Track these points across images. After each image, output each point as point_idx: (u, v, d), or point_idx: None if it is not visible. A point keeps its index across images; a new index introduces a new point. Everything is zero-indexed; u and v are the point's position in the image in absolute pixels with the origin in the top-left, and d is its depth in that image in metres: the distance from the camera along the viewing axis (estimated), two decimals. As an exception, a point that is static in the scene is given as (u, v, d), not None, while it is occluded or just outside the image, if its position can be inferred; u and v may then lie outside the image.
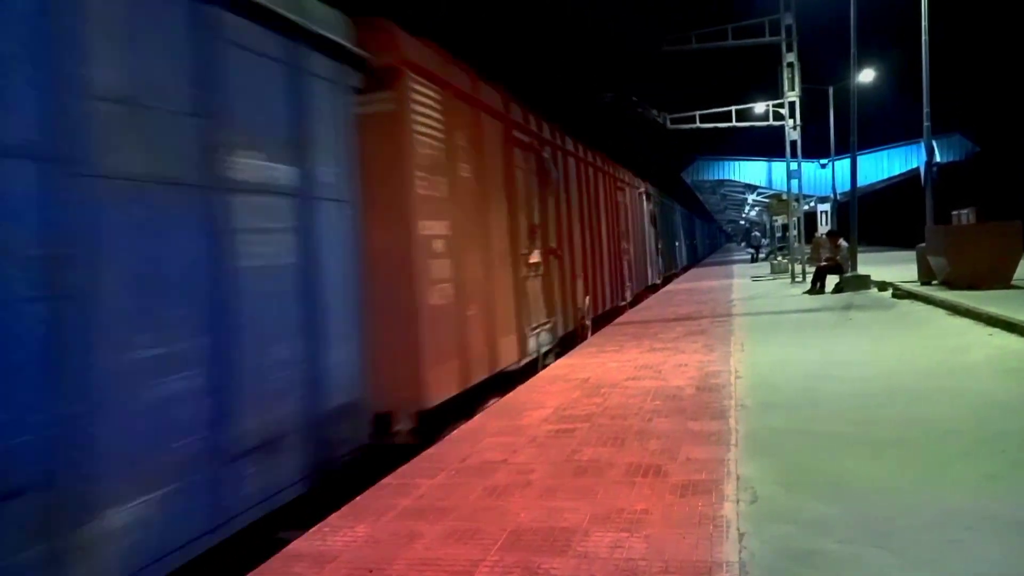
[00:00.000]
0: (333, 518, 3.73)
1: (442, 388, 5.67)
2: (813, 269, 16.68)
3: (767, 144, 29.41)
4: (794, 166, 20.14)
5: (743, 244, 58.64)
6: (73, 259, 2.73)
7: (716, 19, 19.67)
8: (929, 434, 4.48)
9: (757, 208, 45.77)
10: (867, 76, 23.15)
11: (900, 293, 13.23)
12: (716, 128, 23.07)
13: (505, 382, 7.21)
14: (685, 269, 30.46)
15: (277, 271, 4.20)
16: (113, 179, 2.96)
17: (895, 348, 7.83)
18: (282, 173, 4.26)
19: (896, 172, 35.25)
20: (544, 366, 8.34)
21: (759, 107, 21.80)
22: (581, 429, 5.13)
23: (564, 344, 9.82)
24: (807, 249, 21.03)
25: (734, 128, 22.74)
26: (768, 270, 23.76)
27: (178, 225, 3.37)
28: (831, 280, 15.46)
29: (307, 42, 4.50)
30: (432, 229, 5.68)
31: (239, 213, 3.80)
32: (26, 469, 2.50)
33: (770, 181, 35.82)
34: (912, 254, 14.94)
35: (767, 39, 19.22)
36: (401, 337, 5.27)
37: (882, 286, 14.74)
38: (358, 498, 4.01)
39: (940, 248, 13.09)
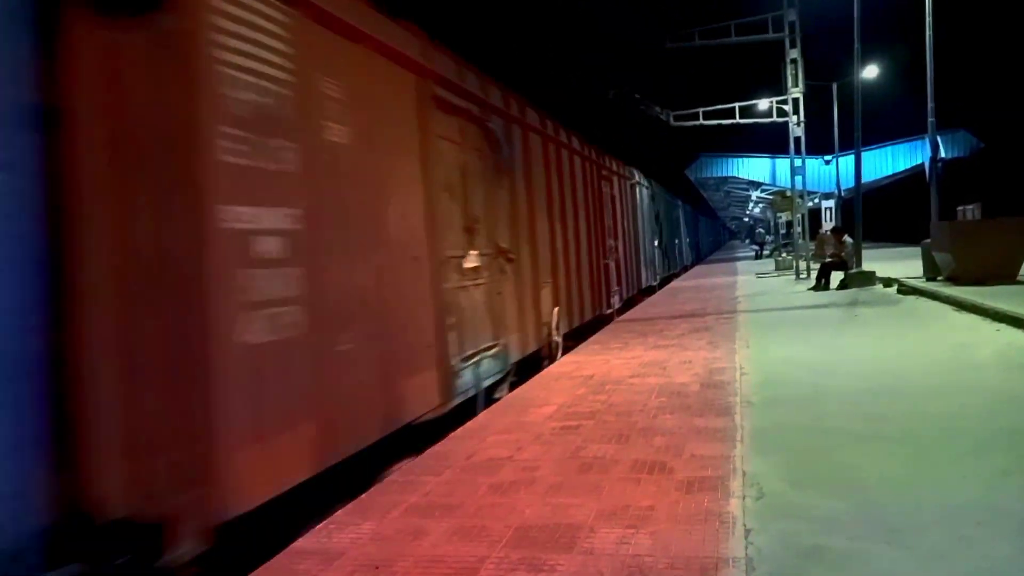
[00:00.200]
0: (339, 515, 3.73)
1: (272, 477, 3.57)
2: (818, 266, 16.63)
3: (771, 141, 29.39)
4: (798, 163, 20.07)
5: (747, 241, 58.50)
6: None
7: (719, 16, 19.62)
8: (938, 430, 4.45)
9: (761, 205, 45.66)
10: (871, 72, 23.08)
11: (905, 289, 13.18)
12: (720, 125, 22.99)
13: (428, 434, 5.28)
14: (686, 268, 29.16)
15: None
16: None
17: (902, 344, 7.79)
18: None
19: (901, 168, 35.11)
20: (492, 401, 6.57)
21: (763, 104, 21.73)
22: (586, 426, 5.12)
23: (527, 368, 7.96)
24: (811, 246, 20.97)
25: (738, 125, 22.67)
26: (772, 267, 23.69)
27: None
28: (836, 276, 15.41)
29: None
30: (257, 220, 3.65)
31: None
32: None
33: (774, 178, 35.70)
34: (917, 250, 14.88)
35: (770, 36, 19.14)
36: (179, 398, 3.27)
37: (887, 282, 14.69)
38: (364, 495, 4.01)
39: (945, 244, 13.04)
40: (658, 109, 23.19)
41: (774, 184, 35.18)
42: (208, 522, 3.16)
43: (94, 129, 3.26)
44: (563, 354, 9.12)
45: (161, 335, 3.29)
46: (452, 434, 5.27)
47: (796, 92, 19.22)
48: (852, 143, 17.69)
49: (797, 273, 19.49)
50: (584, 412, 5.57)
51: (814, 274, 16.55)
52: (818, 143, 28.37)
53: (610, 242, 13.91)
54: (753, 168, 37.64)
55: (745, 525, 3.14)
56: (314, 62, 4.24)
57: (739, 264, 30.47)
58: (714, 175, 39.52)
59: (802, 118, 19.45)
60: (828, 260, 16.15)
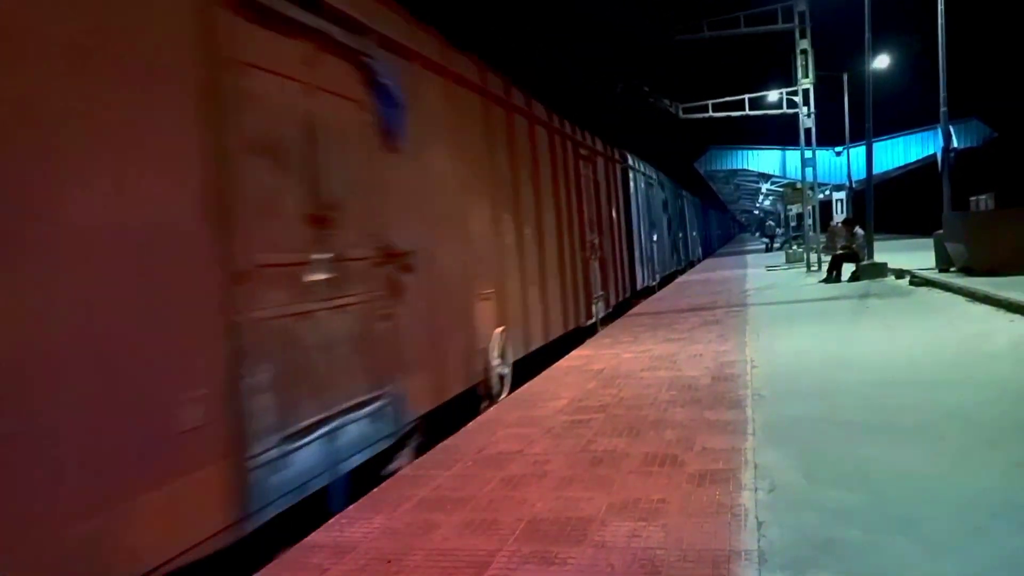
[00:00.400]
0: (350, 509, 3.74)
1: None
2: (829, 258, 16.53)
3: (781, 132, 29.16)
4: (808, 154, 19.95)
5: (757, 234, 58.25)
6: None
7: (728, 7, 19.47)
8: (952, 422, 4.42)
9: (771, 197, 45.40)
10: (882, 62, 22.86)
11: (918, 281, 13.08)
12: (729, 117, 22.85)
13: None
14: (692, 265, 27.48)
15: None
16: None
17: (914, 336, 7.73)
18: None
19: (913, 159, 34.81)
20: (381, 479, 4.34)
21: (772, 95, 21.57)
22: (597, 420, 5.11)
23: (457, 416, 5.70)
24: (822, 238, 20.83)
25: (747, 117, 22.52)
26: (783, 259, 23.57)
27: None
28: (847, 268, 15.32)
29: None
30: None
31: None
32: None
33: (784, 170, 35.47)
34: (929, 241, 14.76)
35: (780, 26, 19.01)
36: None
37: (899, 274, 14.58)
38: (375, 490, 4.02)
39: (958, 235, 12.92)
40: (667, 102, 23.08)
41: (784, 176, 34.99)
42: None
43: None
44: (509, 391, 6.80)
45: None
46: (463, 428, 5.28)
47: (806, 83, 19.10)
48: (863, 134, 17.54)
49: (808, 266, 19.38)
50: (594, 406, 5.56)
51: (825, 267, 16.46)
52: (829, 134, 28.16)
53: (591, 237, 11.45)
54: (763, 160, 37.42)
55: (757, 517, 3.13)
56: None
57: (749, 257, 30.33)
58: (723, 168, 39.31)
59: (812, 109, 19.32)
60: (839, 252, 16.05)
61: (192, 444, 3.05)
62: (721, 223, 66.27)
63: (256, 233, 3.60)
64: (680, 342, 8.45)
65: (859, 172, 26.83)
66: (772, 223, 41.44)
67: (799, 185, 21.82)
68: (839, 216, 27.96)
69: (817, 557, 2.73)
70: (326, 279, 4.17)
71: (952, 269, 13.07)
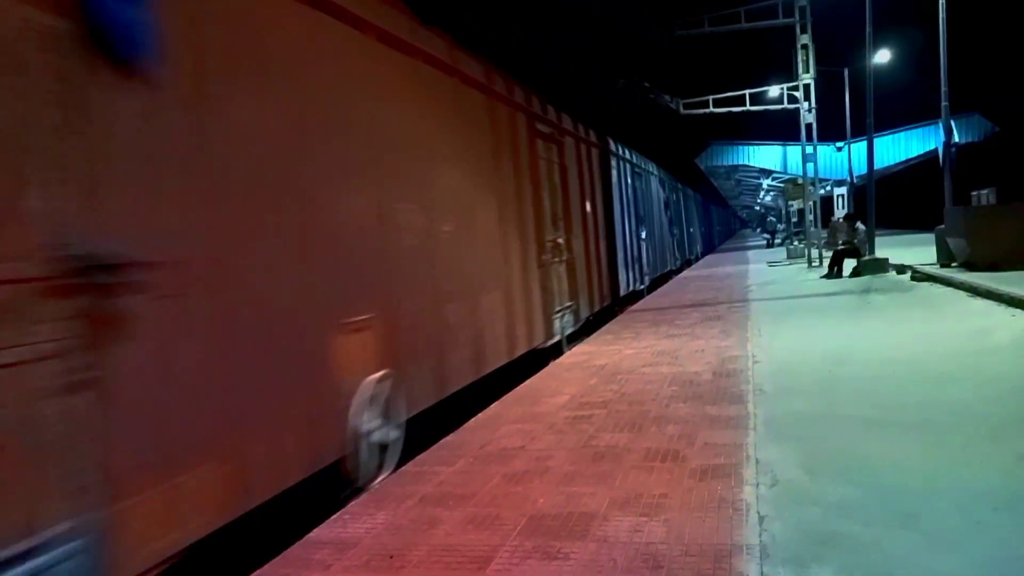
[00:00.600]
0: (353, 505, 3.75)
1: None
2: (830, 253, 16.51)
3: (782, 128, 29.08)
4: (809, 150, 19.91)
5: (758, 230, 58.17)
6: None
7: (729, 1, 19.42)
8: (953, 416, 4.42)
9: (772, 193, 45.32)
10: (883, 56, 22.79)
11: (919, 276, 13.06)
12: (730, 113, 22.79)
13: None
14: (689, 263, 25.88)
15: None
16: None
17: (916, 331, 7.73)
18: None
19: (914, 154, 34.73)
20: None
21: (773, 90, 21.53)
22: (599, 415, 5.12)
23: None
24: (823, 233, 20.81)
25: (748, 112, 22.47)
26: (784, 255, 23.55)
27: None
28: (848, 264, 15.31)
29: None
30: None
31: None
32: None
33: (785, 165, 35.41)
34: (931, 236, 14.74)
35: (780, 21, 18.95)
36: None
37: (900, 269, 14.57)
38: (378, 486, 4.03)
39: (960, 230, 12.90)
40: (667, 97, 23.04)
41: (785, 172, 34.94)
42: None
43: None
44: (397, 464, 4.73)
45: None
46: (465, 425, 5.29)
47: (807, 78, 19.04)
48: (864, 129, 17.51)
49: (809, 261, 19.36)
50: (596, 402, 5.57)
51: (826, 262, 16.45)
52: (830, 130, 28.09)
53: (554, 236, 9.31)
54: (764, 156, 37.35)
55: (759, 512, 3.14)
56: None
57: (750, 253, 30.30)
58: (724, 163, 39.22)
59: (813, 104, 19.27)
60: (841, 248, 16.04)
61: None
62: (722, 219, 66.19)
63: None
64: (682, 338, 8.46)
65: (860, 167, 26.78)
66: (773, 219, 41.37)
67: (800, 181, 21.78)
68: (840, 212, 27.89)
69: (819, 552, 2.74)
70: None
71: (954, 264, 13.05)
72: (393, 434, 4.76)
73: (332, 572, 2.97)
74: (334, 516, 3.61)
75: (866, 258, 15.32)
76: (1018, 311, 8.33)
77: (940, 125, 16.68)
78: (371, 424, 4.51)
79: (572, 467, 4.02)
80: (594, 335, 9.56)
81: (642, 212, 16.48)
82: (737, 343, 7.71)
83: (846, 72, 27.96)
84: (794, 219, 28.40)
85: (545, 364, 7.80)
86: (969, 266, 12.31)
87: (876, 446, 3.95)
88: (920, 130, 33.93)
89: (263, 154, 3.81)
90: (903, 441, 4.01)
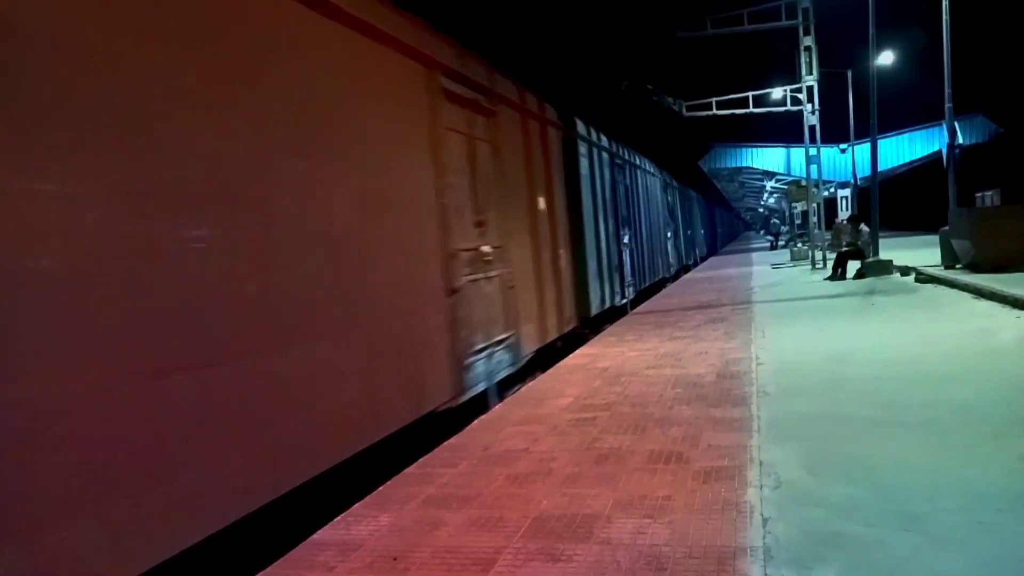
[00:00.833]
0: (356, 507, 3.76)
1: None
2: (834, 255, 16.49)
3: (785, 130, 29.08)
4: (813, 151, 19.88)
5: (762, 232, 58.13)
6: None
7: (732, 3, 19.42)
8: (957, 416, 4.41)
9: (776, 195, 45.29)
10: (887, 58, 22.75)
11: (923, 277, 13.03)
12: (733, 115, 22.79)
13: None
14: (687, 269, 24.12)
15: None
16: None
17: (920, 332, 7.71)
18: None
19: (918, 155, 34.66)
20: None
21: (777, 92, 21.52)
22: (602, 417, 5.12)
23: None
24: (827, 235, 20.78)
25: (751, 114, 22.47)
26: (788, 257, 23.53)
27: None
28: (852, 266, 15.29)
29: None
30: None
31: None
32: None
33: (789, 167, 35.36)
34: (935, 238, 14.71)
35: (783, 23, 18.93)
36: None
37: (905, 271, 14.54)
38: (381, 487, 4.04)
39: (964, 231, 12.88)
40: (671, 100, 23.04)
41: (789, 174, 34.88)
42: None
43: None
44: None
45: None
46: (468, 427, 5.29)
47: (810, 80, 19.02)
48: (868, 131, 17.48)
49: (813, 263, 19.34)
50: (600, 404, 5.57)
51: (830, 264, 16.43)
52: (833, 131, 28.06)
53: (476, 244, 6.56)
54: (767, 158, 37.31)
55: (763, 514, 3.14)
56: None
57: (754, 255, 30.28)
58: (728, 165, 39.19)
59: (817, 106, 19.25)
60: (844, 249, 16.03)
61: None
62: (726, 221, 66.09)
63: None
64: (686, 340, 8.45)
65: (864, 169, 26.75)
66: (777, 221, 41.38)
67: (803, 182, 21.76)
68: (844, 213, 27.86)
69: (822, 553, 2.74)
70: None
71: (958, 266, 13.03)
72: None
73: (336, 574, 2.98)
74: (338, 518, 3.62)
75: (870, 260, 15.31)
76: (1022, 312, 8.31)
77: (944, 126, 16.66)
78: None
79: (575, 469, 4.02)
80: (597, 337, 9.56)
81: (625, 212, 14.19)
82: (741, 345, 7.70)
83: (849, 74, 27.93)
84: (798, 221, 28.36)
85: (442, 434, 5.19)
86: (973, 267, 12.28)
87: (880, 447, 3.95)
88: (924, 131, 33.86)
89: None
90: (907, 441, 4.01)
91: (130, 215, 2.97)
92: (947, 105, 14.85)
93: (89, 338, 2.75)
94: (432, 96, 5.97)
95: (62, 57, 2.77)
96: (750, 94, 21.84)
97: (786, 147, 35.24)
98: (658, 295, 15.40)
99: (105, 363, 2.80)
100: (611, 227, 12.71)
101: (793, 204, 28.92)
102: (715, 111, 22.63)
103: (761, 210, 64.53)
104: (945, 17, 14.19)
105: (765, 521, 3.06)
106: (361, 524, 3.50)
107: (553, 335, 8.83)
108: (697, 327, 9.48)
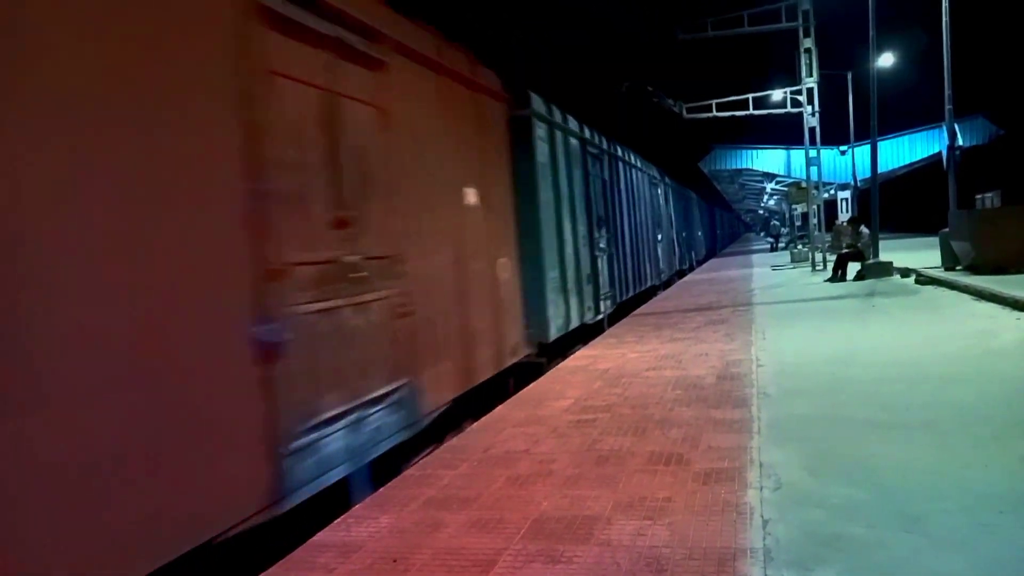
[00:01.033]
0: (357, 509, 3.76)
1: None
2: (834, 257, 16.49)
3: (785, 132, 29.06)
4: (813, 153, 19.90)
5: (762, 234, 58.14)
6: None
7: (732, 5, 19.44)
8: (958, 418, 4.41)
9: (776, 197, 45.31)
10: (887, 60, 22.79)
11: (924, 279, 13.04)
12: (733, 117, 22.80)
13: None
14: (682, 274, 22.45)
15: None
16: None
17: (921, 334, 7.71)
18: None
19: (918, 157, 34.67)
20: None
21: (776, 94, 21.54)
22: (602, 419, 5.12)
23: None
24: (827, 237, 20.79)
25: (752, 116, 22.48)
26: (788, 259, 23.53)
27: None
28: (853, 267, 15.29)
29: None
30: None
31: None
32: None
33: (789, 169, 35.36)
34: (935, 240, 14.72)
35: (784, 25, 18.95)
36: None
37: (905, 272, 14.55)
38: (381, 489, 4.04)
39: (964, 233, 12.88)
40: (671, 101, 23.05)
41: (789, 176, 34.89)
42: None
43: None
44: None
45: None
46: (469, 428, 5.29)
47: (810, 82, 19.04)
48: (868, 132, 17.49)
49: (813, 265, 19.35)
50: (600, 405, 5.57)
51: (830, 265, 16.43)
52: (833, 133, 28.08)
53: (338, 253, 4.26)
54: (767, 160, 37.32)
55: (763, 515, 3.14)
56: None
57: (754, 257, 30.28)
58: (728, 167, 39.21)
59: (817, 108, 19.27)
60: (845, 251, 16.03)
61: None
62: (726, 223, 66.09)
63: None
64: (686, 341, 8.45)
65: (864, 171, 26.76)
66: (777, 223, 41.38)
67: (804, 184, 21.76)
68: (844, 215, 27.87)
69: (823, 554, 2.74)
70: None
71: (958, 267, 13.03)
72: None
73: (336, 575, 2.97)
74: (338, 520, 3.62)
75: (870, 262, 15.31)
76: (1023, 314, 8.31)
77: (944, 128, 16.65)
78: None
79: (576, 470, 4.02)
80: (597, 339, 9.55)
81: (603, 211, 12.04)
82: (741, 346, 7.70)
83: (849, 75, 27.99)
84: (798, 223, 28.38)
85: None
86: (974, 269, 12.28)
87: (880, 448, 3.95)
88: (924, 133, 33.88)
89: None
90: (908, 443, 4.01)
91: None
92: (947, 107, 14.86)
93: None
94: (240, 14, 3.62)
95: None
96: (750, 96, 21.86)
97: (786, 149, 35.25)
98: (657, 297, 15.39)
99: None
100: (582, 229, 10.42)
101: (793, 206, 28.95)
102: (715, 113, 22.63)
103: (761, 212, 64.54)
104: (945, 19, 14.20)
105: (765, 522, 3.06)
106: (361, 526, 3.49)
107: (488, 373, 6.56)
108: (697, 329, 9.48)
